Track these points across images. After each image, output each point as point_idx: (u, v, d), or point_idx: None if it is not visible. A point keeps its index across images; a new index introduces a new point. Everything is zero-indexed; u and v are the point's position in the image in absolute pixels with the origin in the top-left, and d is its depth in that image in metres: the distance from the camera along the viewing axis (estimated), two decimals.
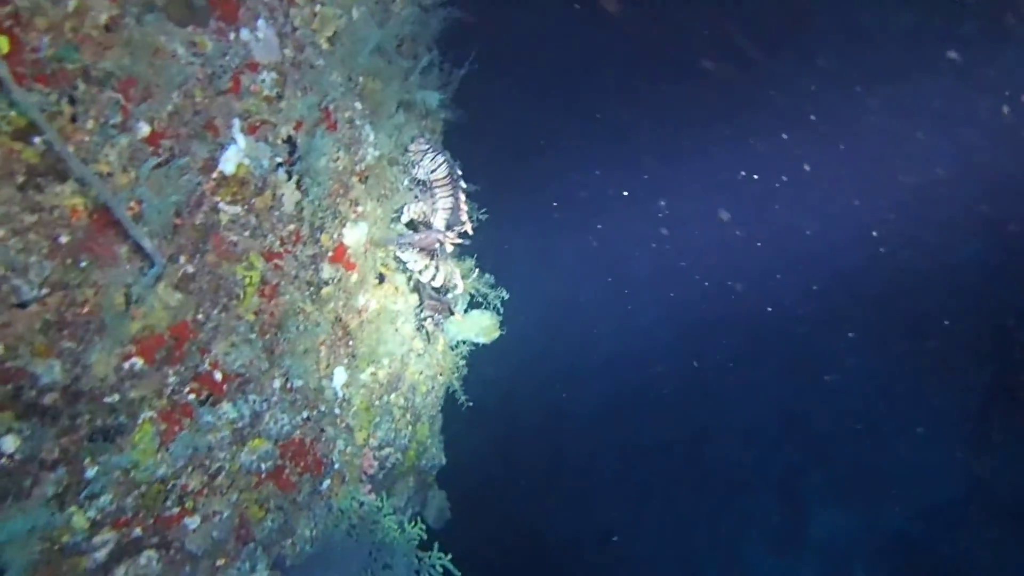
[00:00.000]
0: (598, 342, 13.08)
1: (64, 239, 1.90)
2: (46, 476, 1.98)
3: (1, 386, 1.87)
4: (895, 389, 11.30)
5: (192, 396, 2.37)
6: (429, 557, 2.97)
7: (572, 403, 12.07)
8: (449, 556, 3.00)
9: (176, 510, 2.43)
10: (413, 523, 5.18)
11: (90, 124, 1.88)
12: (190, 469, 2.44)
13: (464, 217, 3.34)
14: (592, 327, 13.18)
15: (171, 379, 2.29)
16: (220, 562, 2.64)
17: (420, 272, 2.95)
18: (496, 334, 5.13)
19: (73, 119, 1.83)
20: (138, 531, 2.32)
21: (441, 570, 3.00)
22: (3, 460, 1.89)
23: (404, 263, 2.96)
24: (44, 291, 1.89)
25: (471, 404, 5.12)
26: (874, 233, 11.66)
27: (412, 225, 3.09)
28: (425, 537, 5.21)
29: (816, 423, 11.65)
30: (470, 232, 3.34)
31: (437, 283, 2.99)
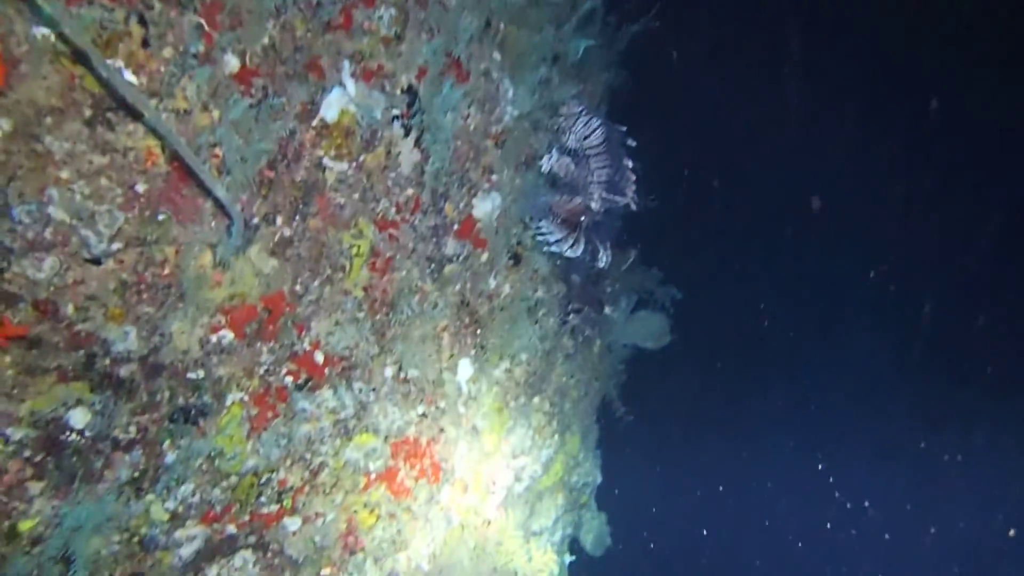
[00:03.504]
0: None
1: (140, 187, 1.67)
2: (120, 458, 1.76)
3: (72, 352, 1.67)
4: None
5: (288, 379, 2.08)
6: None
7: None
8: None
9: (274, 508, 2.15)
10: (565, 548, 4.69)
11: (167, 52, 1.62)
12: (288, 463, 2.15)
13: (629, 190, 2.81)
14: None
15: (264, 357, 2.01)
16: (325, 571, 2.34)
17: (558, 242, 2.46)
18: (666, 339, 4.47)
19: (145, 44, 1.58)
20: (232, 528, 2.07)
21: None
22: (72, 436, 1.69)
23: (540, 231, 2.48)
24: (117, 246, 1.66)
25: (632, 418, 4.51)
26: None
27: (555, 182, 2.60)
28: (571, 564, 4.70)
29: None
30: (633, 207, 2.80)
31: (575, 254, 2.48)
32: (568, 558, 4.75)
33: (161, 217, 1.71)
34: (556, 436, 3.42)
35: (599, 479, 4.58)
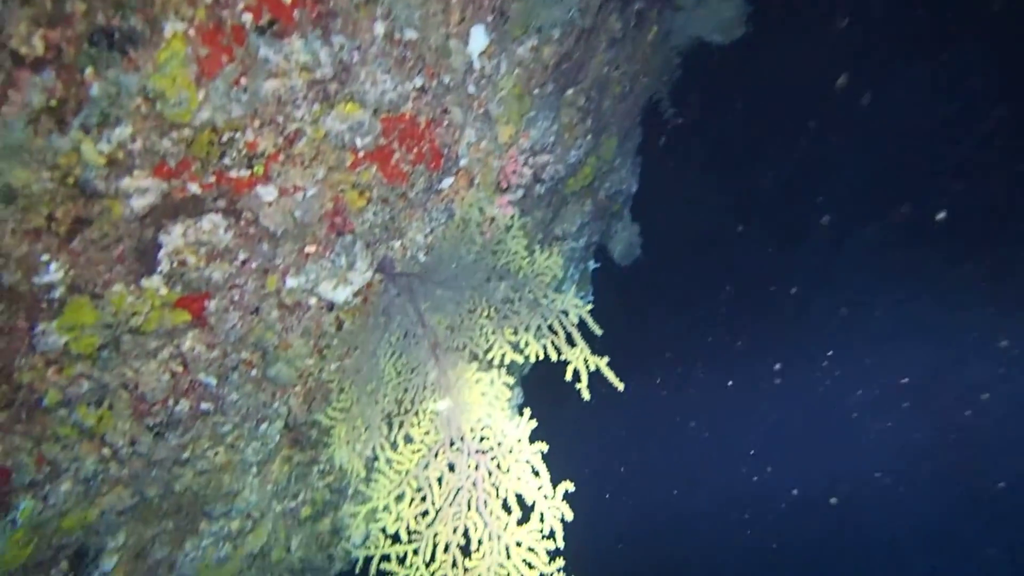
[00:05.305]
0: None
1: None
2: (26, 78, 1.45)
3: None
4: None
5: (247, 16, 1.65)
6: (562, 301, 2.26)
7: None
8: (590, 307, 2.26)
9: (244, 173, 1.90)
10: (590, 255, 4.57)
11: None
12: (256, 123, 1.83)
13: None
14: None
15: None
16: (309, 248, 2.17)
17: None
18: (739, 32, 3.78)
19: None
20: (194, 187, 1.84)
21: (576, 320, 2.30)
22: None
23: None
24: None
25: (681, 121, 4.00)
26: None
27: None
28: (596, 269, 4.60)
29: None
30: None
31: None
32: (592, 264, 4.69)
33: None
34: (589, 136, 3.02)
35: (635, 188, 4.28)
